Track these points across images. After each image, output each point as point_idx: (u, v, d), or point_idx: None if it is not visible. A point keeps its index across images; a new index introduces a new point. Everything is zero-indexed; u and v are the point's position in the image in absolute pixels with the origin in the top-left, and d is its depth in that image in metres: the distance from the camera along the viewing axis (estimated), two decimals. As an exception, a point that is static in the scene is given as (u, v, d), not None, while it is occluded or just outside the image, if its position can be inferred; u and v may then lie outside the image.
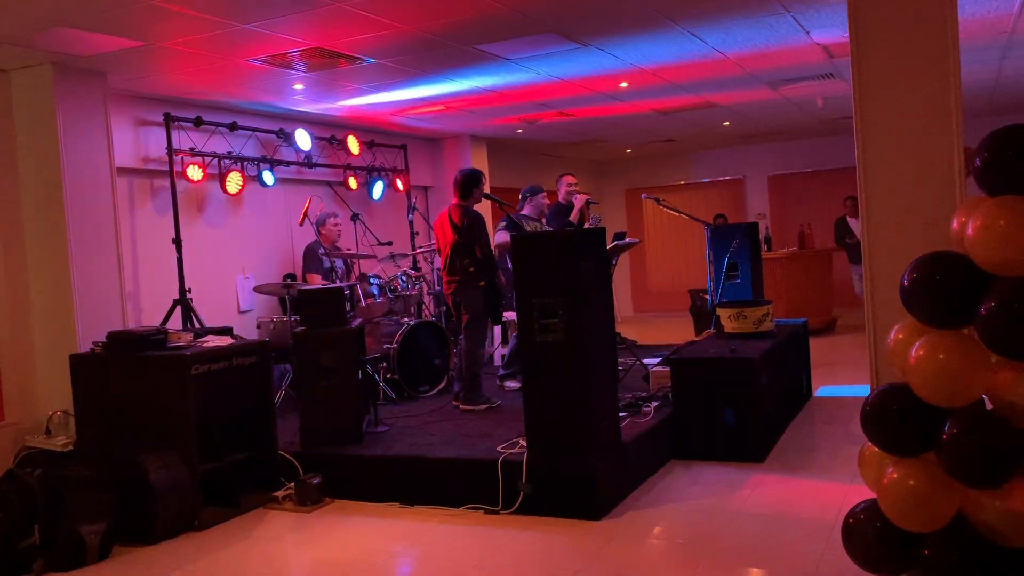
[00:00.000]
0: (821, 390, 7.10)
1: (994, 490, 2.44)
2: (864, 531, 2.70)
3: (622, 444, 4.71)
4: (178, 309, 6.32)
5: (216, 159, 6.89)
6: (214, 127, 6.89)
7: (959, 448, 2.43)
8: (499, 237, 6.41)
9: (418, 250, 8.35)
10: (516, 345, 6.66)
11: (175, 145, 6.51)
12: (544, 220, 6.89)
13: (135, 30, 4.82)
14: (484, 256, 5.94)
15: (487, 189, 6.49)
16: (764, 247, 9.81)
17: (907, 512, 2.54)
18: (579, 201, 7.03)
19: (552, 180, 7.69)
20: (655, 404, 5.47)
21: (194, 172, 6.62)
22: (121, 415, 4.73)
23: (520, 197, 6.94)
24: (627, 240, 6.99)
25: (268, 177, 7.30)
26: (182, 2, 4.39)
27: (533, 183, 7.10)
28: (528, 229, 6.41)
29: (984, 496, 2.46)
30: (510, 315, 6.46)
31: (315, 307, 5.38)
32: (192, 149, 6.68)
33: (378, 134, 8.85)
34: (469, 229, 5.92)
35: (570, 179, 7.29)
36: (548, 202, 7.00)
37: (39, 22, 4.58)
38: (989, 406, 2.56)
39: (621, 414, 5.03)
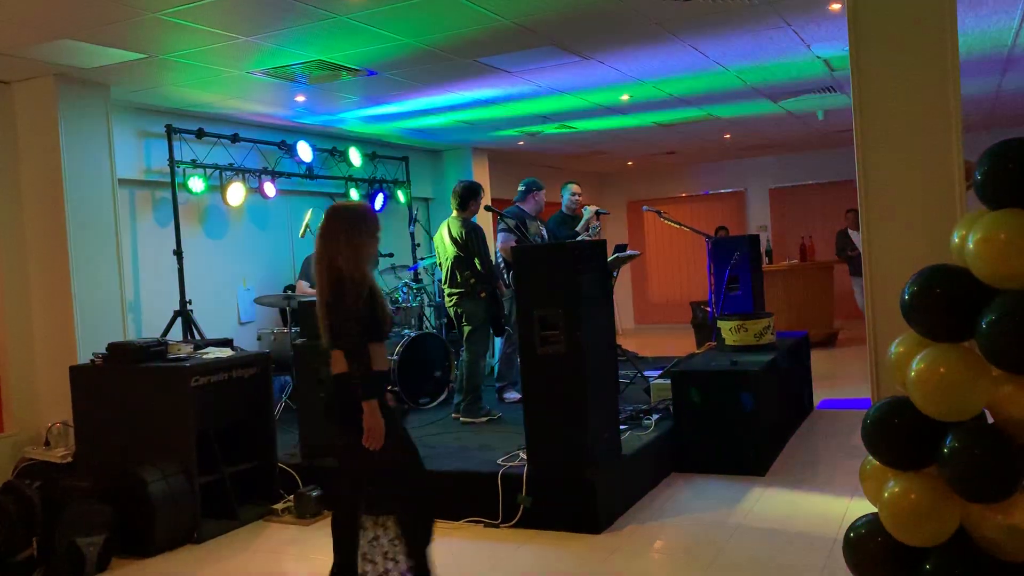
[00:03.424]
0: (822, 403, 7.07)
1: (996, 505, 2.43)
2: (866, 546, 2.68)
3: (623, 457, 4.69)
4: (179, 320, 6.33)
5: (218, 171, 6.91)
6: (216, 139, 6.90)
7: (960, 462, 2.42)
8: (503, 239, 6.30)
9: (419, 262, 8.35)
10: (505, 354, 6.63)
11: (177, 156, 6.52)
12: (542, 222, 6.78)
13: (139, 43, 4.84)
14: (484, 268, 5.94)
15: (488, 201, 6.46)
16: (765, 259, 9.81)
17: (908, 527, 2.52)
18: (588, 211, 6.99)
19: (554, 191, 7.60)
20: (656, 417, 5.45)
21: (196, 184, 6.63)
22: (121, 427, 4.72)
23: (520, 189, 6.69)
24: (628, 252, 6.98)
25: (269, 189, 7.31)
26: (186, 15, 4.41)
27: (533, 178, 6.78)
28: (530, 230, 6.36)
29: (986, 511, 2.45)
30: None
31: (316, 319, 5.35)
32: (194, 160, 6.69)
33: (379, 146, 8.87)
34: (468, 241, 5.93)
35: (576, 188, 7.22)
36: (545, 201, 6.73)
37: (43, 34, 4.60)
38: (991, 420, 2.55)
39: (622, 427, 5.02)
